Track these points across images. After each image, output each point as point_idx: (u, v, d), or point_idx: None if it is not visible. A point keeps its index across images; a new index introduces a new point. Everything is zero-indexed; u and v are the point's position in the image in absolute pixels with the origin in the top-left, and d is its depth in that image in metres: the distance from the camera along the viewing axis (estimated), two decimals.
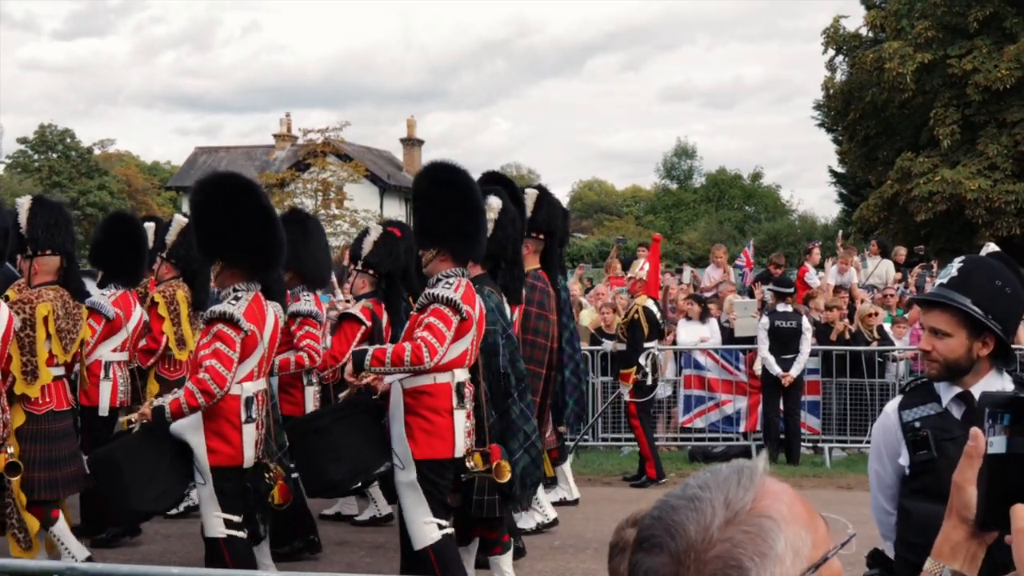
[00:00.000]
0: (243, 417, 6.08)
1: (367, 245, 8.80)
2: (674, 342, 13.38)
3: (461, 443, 6.10)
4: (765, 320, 12.26)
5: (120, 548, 8.27)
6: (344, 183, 40.45)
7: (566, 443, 10.46)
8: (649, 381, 11.25)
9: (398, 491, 6.23)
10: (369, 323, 8.58)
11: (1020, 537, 1.43)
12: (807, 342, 12.16)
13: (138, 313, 8.65)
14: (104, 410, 8.21)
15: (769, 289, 13.09)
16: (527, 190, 8.84)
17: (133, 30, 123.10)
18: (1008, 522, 1.42)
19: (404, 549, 6.41)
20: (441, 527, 6.07)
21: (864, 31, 30.49)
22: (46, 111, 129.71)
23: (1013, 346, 3.63)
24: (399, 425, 6.08)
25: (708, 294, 15.22)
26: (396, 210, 50.95)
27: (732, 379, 13.04)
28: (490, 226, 6.80)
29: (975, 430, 1.52)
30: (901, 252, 18.98)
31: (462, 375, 6.16)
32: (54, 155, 55.49)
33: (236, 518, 6.14)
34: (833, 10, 69.79)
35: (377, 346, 6.21)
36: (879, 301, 14.67)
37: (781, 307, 12.28)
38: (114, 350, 8.34)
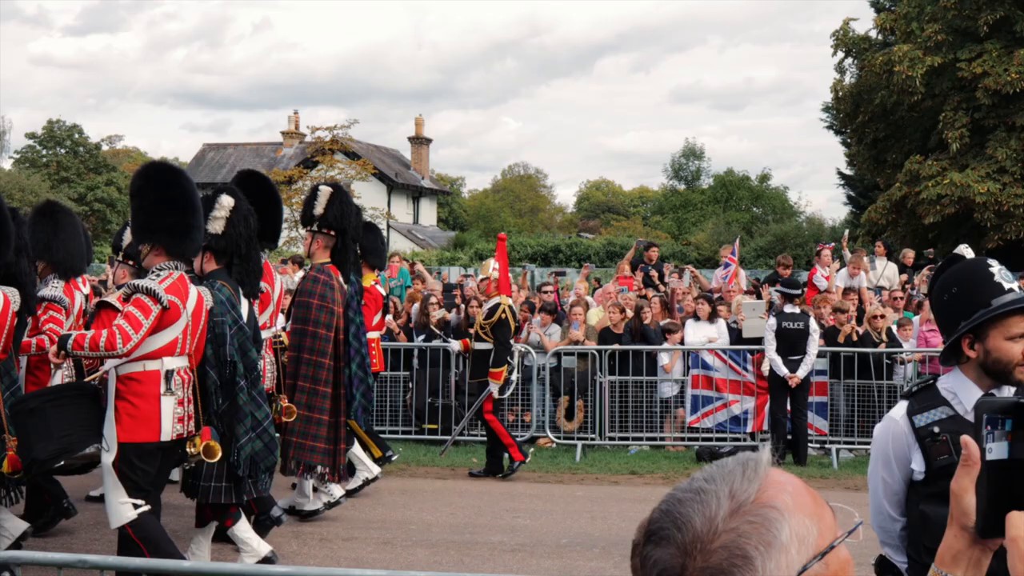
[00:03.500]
0: None
1: (127, 237, 9.05)
2: (682, 342, 13.39)
3: (168, 428, 6.37)
4: (772, 321, 12.27)
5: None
6: (352, 181, 40.54)
7: (350, 433, 10.76)
8: (513, 376, 11.65)
9: (103, 472, 6.51)
10: None
11: (1013, 545, 1.43)
12: (814, 343, 12.17)
13: None
14: None
15: (777, 290, 13.08)
16: (320, 187, 9.25)
17: (145, 26, 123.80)
18: None
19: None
20: (136, 507, 6.36)
21: (874, 34, 30.47)
22: (56, 106, 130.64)
23: None
24: (110, 409, 6.39)
25: (716, 295, 15.23)
26: (404, 207, 51.06)
27: (740, 379, 13.06)
28: (223, 224, 7.29)
29: (965, 438, 1.51)
30: (909, 255, 18.98)
31: (172, 363, 6.43)
32: (62, 151, 55.59)
33: None
34: (845, 13, 69.75)
35: (79, 332, 6.53)
36: (887, 303, 14.67)
37: (789, 308, 12.29)
38: None
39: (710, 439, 13.09)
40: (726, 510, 1.33)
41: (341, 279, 9.12)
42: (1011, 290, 3.39)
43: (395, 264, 19.52)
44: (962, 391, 3.46)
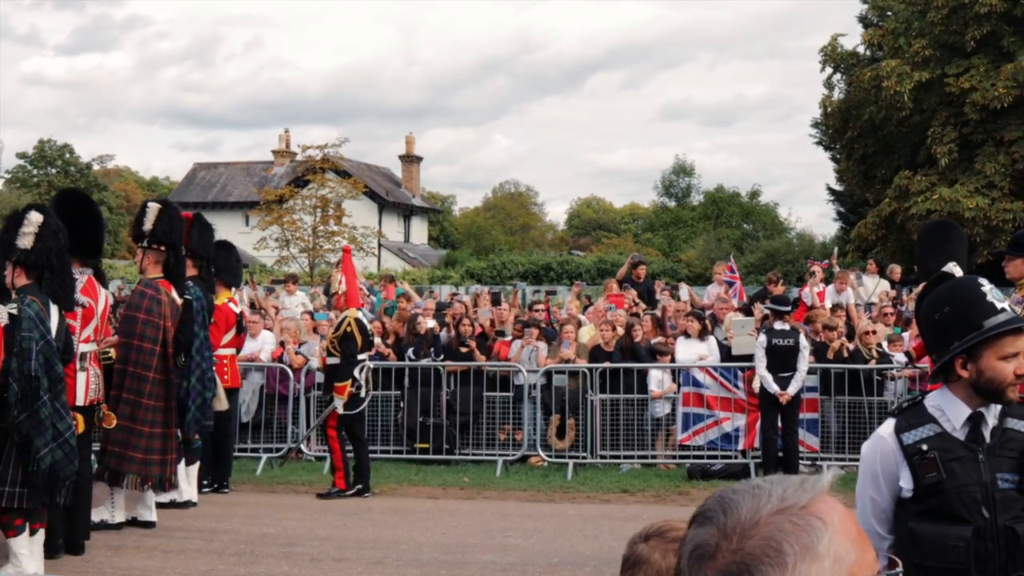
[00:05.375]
0: None
1: None
2: (673, 359, 13.37)
3: None
4: (763, 338, 12.26)
5: (116, 563, 8.26)
6: (343, 199, 40.50)
7: (194, 447, 10.83)
8: (363, 393, 11.46)
9: None
10: None
11: None
12: (804, 360, 12.15)
13: None
14: None
15: (767, 307, 13.09)
16: (149, 204, 9.65)
17: (137, 45, 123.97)
18: None
19: None
20: None
21: (862, 49, 30.62)
22: (47, 126, 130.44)
23: None
24: None
25: (708, 312, 15.22)
26: (395, 226, 51.07)
27: (731, 397, 13.04)
28: (32, 239, 7.55)
29: None
30: (896, 270, 19.01)
31: None
32: (53, 170, 55.59)
33: None
34: (833, 29, 70.12)
35: None
36: (877, 319, 14.68)
37: (779, 325, 12.28)
38: None
39: (701, 457, 13.06)
40: (774, 507, 1.36)
41: (174, 294, 9.41)
42: (1003, 310, 3.42)
43: (392, 286, 19.57)
44: (950, 409, 3.48)
